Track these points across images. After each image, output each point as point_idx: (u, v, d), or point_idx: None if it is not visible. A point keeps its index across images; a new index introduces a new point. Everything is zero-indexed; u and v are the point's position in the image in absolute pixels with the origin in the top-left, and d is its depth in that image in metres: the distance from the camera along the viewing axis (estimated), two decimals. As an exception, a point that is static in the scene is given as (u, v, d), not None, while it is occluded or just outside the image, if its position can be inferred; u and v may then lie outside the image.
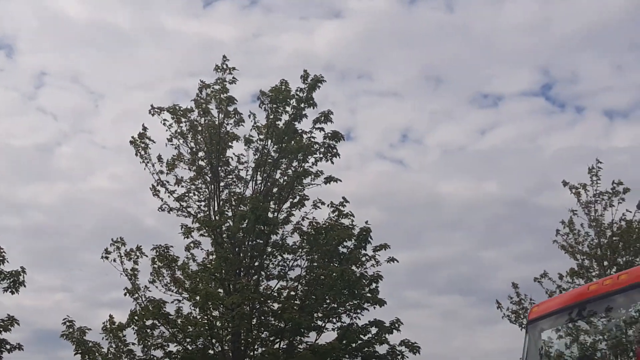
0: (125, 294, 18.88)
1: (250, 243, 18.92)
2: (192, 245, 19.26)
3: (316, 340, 18.52)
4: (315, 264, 18.84)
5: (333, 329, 18.74)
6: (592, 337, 7.59)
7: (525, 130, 48.44)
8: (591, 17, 46.28)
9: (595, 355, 7.67)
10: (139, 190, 36.63)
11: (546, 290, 21.77)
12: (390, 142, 52.80)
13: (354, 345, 18.42)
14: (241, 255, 18.92)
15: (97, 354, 18.05)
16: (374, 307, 18.56)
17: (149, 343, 18.47)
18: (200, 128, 19.90)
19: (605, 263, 21.75)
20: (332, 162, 19.53)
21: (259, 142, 19.72)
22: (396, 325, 18.54)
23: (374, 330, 18.54)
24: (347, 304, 18.64)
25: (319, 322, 18.67)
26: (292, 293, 18.68)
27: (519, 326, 21.45)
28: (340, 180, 19.56)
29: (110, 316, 18.44)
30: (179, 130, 19.91)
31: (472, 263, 42.98)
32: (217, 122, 19.85)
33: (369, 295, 18.53)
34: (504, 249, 42.76)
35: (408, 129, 54.36)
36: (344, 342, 18.28)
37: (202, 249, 19.26)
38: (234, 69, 20.15)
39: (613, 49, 48.24)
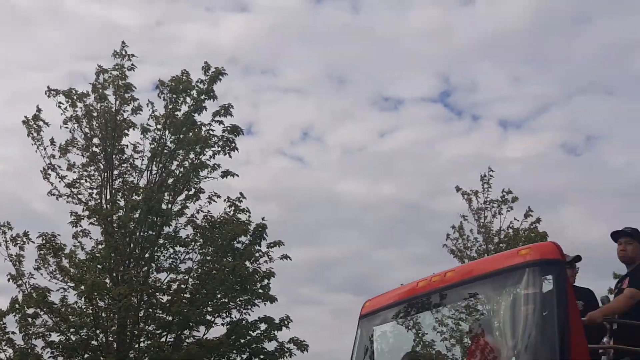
0: (8, 280, 18.31)
1: (141, 234, 18.56)
2: (80, 233, 18.76)
3: (204, 334, 18.36)
4: (208, 257, 18.65)
5: (222, 324, 18.61)
6: (421, 333, 7.74)
7: (423, 135, 49.28)
8: (491, 28, 47.43)
9: (424, 351, 7.82)
10: (29, 173, 35.44)
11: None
12: (292, 139, 52.84)
13: (242, 341, 18.35)
14: (131, 245, 18.53)
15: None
16: (265, 304, 18.51)
17: (30, 332, 17.93)
18: (96, 114, 19.40)
19: (492, 269, 22.28)
20: (230, 156, 19.36)
21: (156, 131, 19.39)
22: (285, 322, 18.55)
23: (263, 326, 18.50)
24: (238, 300, 18.52)
25: (209, 317, 18.49)
26: (182, 286, 18.44)
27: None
28: (237, 175, 19.42)
29: (-11, 303, 17.80)
30: (74, 115, 19.34)
31: (367, 262, 43.43)
32: (113, 109, 19.39)
33: (260, 291, 18.46)
34: (397, 250, 43.35)
35: (310, 126, 54.60)
36: (233, 337, 18.17)
37: (91, 238, 18.80)
38: (133, 55, 19.80)
39: (511, 60, 49.57)
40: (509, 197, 22.95)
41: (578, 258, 7.67)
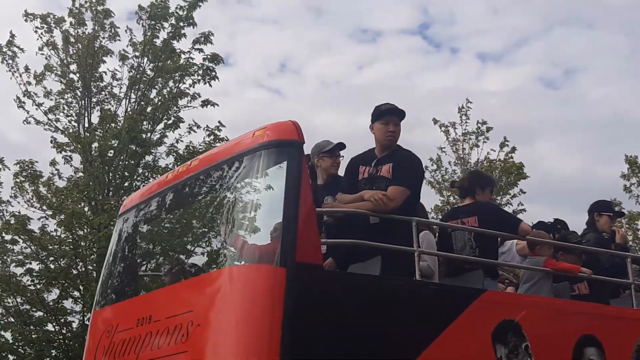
0: (-15, 208, 18.18)
1: (121, 163, 18.42)
2: (60, 160, 18.58)
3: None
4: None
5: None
6: (174, 227, 7.56)
7: (402, 68, 48.94)
8: (469, -44, 46.88)
9: (176, 244, 7.70)
10: (3, 102, 34.70)
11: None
12: (269, 70, 52.28)
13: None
14: (110, 175, 18.40)
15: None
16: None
17: (8, 259, 17.91)
18: (73, 40, 18.98)
19: (469, 200, 22.52)
20: (210, 85, 19.05)
21: (134, 59, 19.05)
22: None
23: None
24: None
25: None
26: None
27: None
28: (218, 105, 19.20)
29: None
30: (50, 40, 18.92)
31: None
32: (91, 35, 18.99)
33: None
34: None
35: (287, 58, 53.88)
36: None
37: (71, 165, 18.63)
38: (111, -20, 19.29)
39: (489, -9, 49.17)
40: (484, 128, 23.10)
41: (342, 145, 7.32)
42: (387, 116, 6.70)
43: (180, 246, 7.29)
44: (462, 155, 22.98)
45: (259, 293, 5.40)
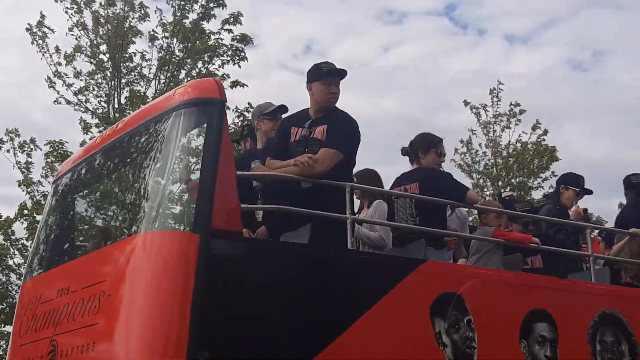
0: (19, 185, 18.39)
1: (150, 144, 18.43)
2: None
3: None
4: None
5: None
6: (102, 191, 6.84)
7: (427, 49, 48.48)
8: (498, -62, 46.33)
9: (104, 210, 7.05)
10: (31, 83, 34.82)
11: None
12: (294, 52, 52.12)
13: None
14: (140, 155, 18.43)
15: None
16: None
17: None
18: (102, 20, 19.01)
19: (500, 183, 22.38)
20: (240, 66, 19.01)
21: (164, 39, 19.05)
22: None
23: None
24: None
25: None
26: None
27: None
28: (247, 85, 19.11)
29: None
30: (80, 21, 18.95)
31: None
32: (121, 15, 19.00)
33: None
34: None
35: (312, 40, 53.75)
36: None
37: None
38: (142, -38, 19.26)
39: (518, -27, 48.50)
40: (517, 110, 22.86)
41: (284, 108, 6.99)
42: (330, 77, 6.31)
43: (107, 211, 6.96)
44: (493, 138, 22.77)
45: (169, 261, 5.02)
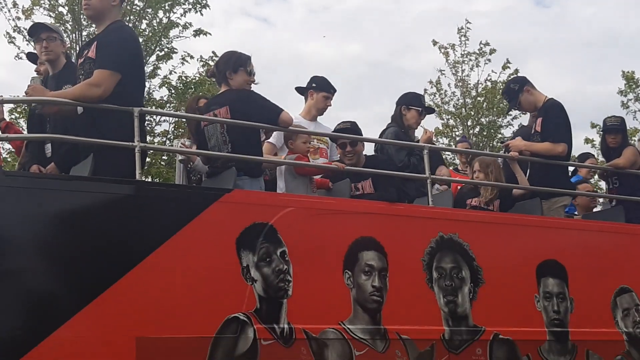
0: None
1: (114, 96, 18.20)
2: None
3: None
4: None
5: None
6: None
7: (389, -9, 47.62)
8: None
9: None
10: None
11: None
12: (255, -2, 51.27)
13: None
14: (105, 108, 18.20)
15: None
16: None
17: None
18: (60, -29, 18.61)
19: (470, 122, 22.34)
20: (202, 14, 18.76)
21: (123, -11, 18.67)
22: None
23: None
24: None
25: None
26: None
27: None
28: (210, 34, 18.90)
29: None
30: (36, -27, 18.56)
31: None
32: (78, -35, 18.60)
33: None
34: (364, 112, 42.76)
35: (271, -17, 52.79)
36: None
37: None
38: None
39: None
40: (487, 49, 22.72)
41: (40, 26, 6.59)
42: None
43: None
44: (462, 77, 22.66)
45: None
